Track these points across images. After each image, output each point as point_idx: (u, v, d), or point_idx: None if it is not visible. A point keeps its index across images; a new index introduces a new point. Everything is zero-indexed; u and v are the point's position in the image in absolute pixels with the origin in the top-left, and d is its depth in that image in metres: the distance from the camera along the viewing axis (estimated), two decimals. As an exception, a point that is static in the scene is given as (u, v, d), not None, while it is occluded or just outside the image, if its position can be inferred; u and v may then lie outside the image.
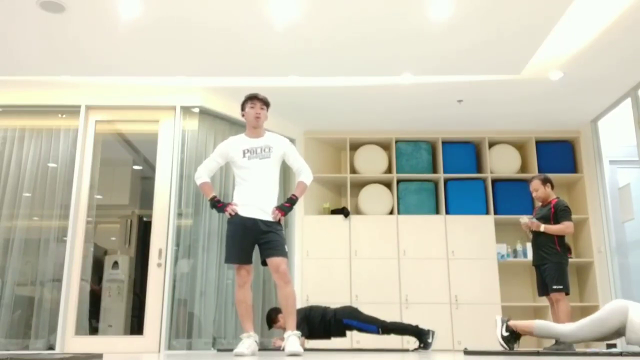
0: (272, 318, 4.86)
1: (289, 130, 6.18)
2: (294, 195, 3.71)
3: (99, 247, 5.76)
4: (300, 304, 5.46)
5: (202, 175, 3.76)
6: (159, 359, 3.64)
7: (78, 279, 5.11)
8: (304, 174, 3.77)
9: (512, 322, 3.76)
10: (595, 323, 3.43)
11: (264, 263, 3.56)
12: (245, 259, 3.54)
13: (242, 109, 3.75)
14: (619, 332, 3.36)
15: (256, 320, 5.58)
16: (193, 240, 5.33)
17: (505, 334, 3.74)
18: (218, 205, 3.65)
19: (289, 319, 3.49)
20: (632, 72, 5.14)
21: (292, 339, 3.36)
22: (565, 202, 4.76)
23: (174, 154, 5.38)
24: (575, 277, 6.45)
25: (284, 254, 3.52)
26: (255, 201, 3.55)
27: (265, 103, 3.73)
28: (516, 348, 3.77)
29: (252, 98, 3.71)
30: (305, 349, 4.21)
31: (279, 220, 3.60)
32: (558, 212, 4.67)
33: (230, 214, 3.56)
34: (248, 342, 3.47)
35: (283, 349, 3.40)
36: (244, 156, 3.62)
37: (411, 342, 4.95)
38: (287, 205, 3.65)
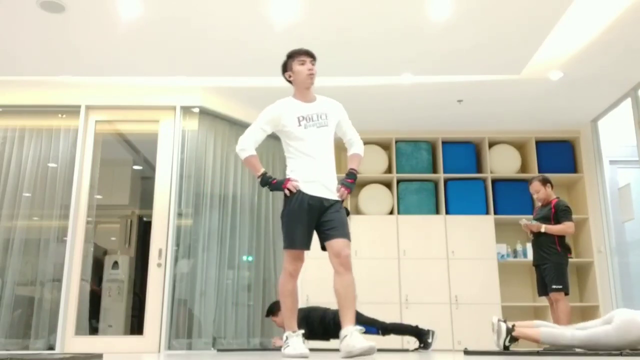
0: (274, 311, 4.89)
1: (289, 130, 6.16)
2: (352, 168, 3.24)
3: (99, 247, 5.76)
4: (300, 304, 5.45)
5: (248, 147, 3.20)
6: (159, 359, 3.64)
7: (78, 279, 5.11)
8: (358, 145, 3.33)
9: (516, 333, 3.66)
10: (609, 343, 3.30)
11: (324, 247, 3.07)
12: (309, 244, 3.07)
13: (286, 69, 3.21)
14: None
15: (256, 321, 5.59)
16: (193, 240, 5.32)
17: (508, 344, 3.69)
18: (272, 181, 3.11)
19: (348, 311, 2.93)
20: (632, 72, 5.13)
21: (356, 335, 2.80)
22: (565, 202, 4.77)
23: (174, 154, 5.38)
24: (575, 277, 6.45)
25: (348, 236, 3.04)
26: (318, 177, 3.07)
27: (315, 59, 3.19)
28: (512, 348, 3.76)
29: (301, 53, 3.17)
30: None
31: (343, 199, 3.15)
32: (559, 212, 4.68)
33: (290, 191, 3.04)
34: (300, 342, 3.03)
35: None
36: (299, 124, 3.09)
37: (411, 342, 4.95)
38: (349, 181, 3.17)
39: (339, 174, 3.19)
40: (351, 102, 5.84)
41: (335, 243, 2.99)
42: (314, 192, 3.04)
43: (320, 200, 3.04)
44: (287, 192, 3.05)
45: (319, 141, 3.11)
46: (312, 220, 3.04)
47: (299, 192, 3.03)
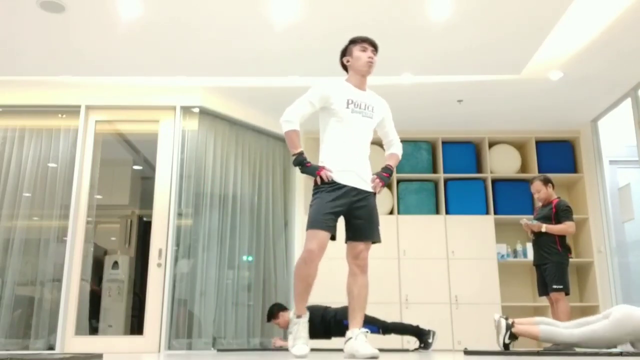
0: (273, 313, 4.93)
1: (289, 130, 6.17)
2: (389, 165, 3.18)
3: (99, 247, 5.76)
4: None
5: (294, 119, 3.01)
6: (159, 359, 3.64)
7: (78, 279, 5.11)
8: (397, 146, 3.28)
9: (515, 329, 3.69)
10: (605, 337, 3.34)
11: (334, 237, 3.00)
12: (332, 229, 2.93)
13: (345, 54, 3.16)
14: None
15: (256, 321, 5.59)
16: (193, 240, 5.33)
17: (508, 341, 3.71)
18: (306, 163, 2.98)
19: (358, 313, 2.91)
20: (632, 72, 5.14)
21: (361, 339, 2.78)
22: (566, 202, 4.77)
23: (174, 154, 5.38)
24: (575, 277, 6.45)
25: (374, 236, 2.99)
26: (355, 166, 2.97)
27: (377, 50, 3.13)
28: (512, 347, 3.76)
29: (364, 40, 3.10)
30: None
31: (376, 192, 3.04)
32: (559, 212, 4.68)
33: (322, 179, 2.93)
34: (303, 333, 2.91)
35: (281, 348, 3.32)
36: (347, 106, 3.00)
37: (411, 342, 4.95)
38: (386, 175, 3.10)
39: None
40: (351, 102, 5.87)
41: (355, 245, 2.98)
42: (347, 182, 2.94)
43: (353, 190, 2.94)
44: (318, 179, 2.94)
45: (361, 130, 3.02)
46: (341, 209, 2.93)
47: (332, 181, 2.92)
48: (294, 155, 3.01)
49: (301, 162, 2.98)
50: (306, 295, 2.97)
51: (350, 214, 2.97)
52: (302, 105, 3.03)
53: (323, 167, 2.94)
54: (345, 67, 3.18)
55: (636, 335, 3.31)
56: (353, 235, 2.99)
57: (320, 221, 2.88)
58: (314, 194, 2.98)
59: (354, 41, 3.14)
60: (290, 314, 3.05)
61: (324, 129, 3.06)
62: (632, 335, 3.31)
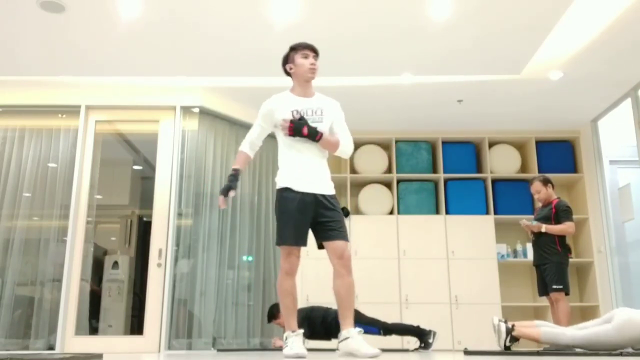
0: (273, 314, 4.92)
1: (289, 130, 6.16)
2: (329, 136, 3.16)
3: (99, 247, 5.76)
4: (300, 304, 5.46)
5: (244, 143, 3.21)
6: (159, 359, 3.64)
7: (78, 279, 5.11)
8: (346, 144, 3.23)
9: (516, 333, 3.67)
10: (608, 342, 3.28)
11: (321, 246, 3.04)
12: (303, 241, 2.99)
13: (287, 61, 3.15)
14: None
15: (256, 321, 5.59)
16: (193, 240, 5.33)
17: (509, 344, 3.70)
18: (228, 184, 3.10)
19: (349, 312, 2.95)
20: (632, 72, 5.13)
21: (360, 339, 2.81)
22: (566, 202, 4.77)
23: (174, 154, 5.38)
24: (575, 277, 6.45)
25: (347, 236, 3.01)
26: (309, 173, 3.03)
27: (318, 55, 3.15)
28: (513, 347, 3.75)
29: (305, 47, 3.11)
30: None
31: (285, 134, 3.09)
32: (559, 212, 4.68)
33: (281, 189, 3.00)
34: (299, 341, 2.97)
35: (281, 348, 3.27)
36: (293, 118, 3.05)
37: (411, 342, 4.95)
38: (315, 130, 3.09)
39: (338, 173, 3.18)
40: (351, 102, 5.86)
41: (337, 244, 2.96)
42: (305, 189, 2.97)
43: (313, 196, 2.98)
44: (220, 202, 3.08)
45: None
46: (306, 217, 2.97)
47: (290, 189, 2.97)
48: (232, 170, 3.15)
49: (230, 179, 3.11)
50: (295, 309, 3.04)
51: (316, 219, 2.99)
52: (253, 129, 3.18)
53: (222, 197, 3.07)
54: (288, 74, 3.19)
55: (638, 341, 3.28)
56: (328, 236, 2.99)
57: (287, 237, 2.96)
58: (276, 203, 3.04)
59: (294, 48, 3.15)
60: (286, 334, 3.06)
61: (279, 143, 3.12)
62: (635, 340, 3.28)
